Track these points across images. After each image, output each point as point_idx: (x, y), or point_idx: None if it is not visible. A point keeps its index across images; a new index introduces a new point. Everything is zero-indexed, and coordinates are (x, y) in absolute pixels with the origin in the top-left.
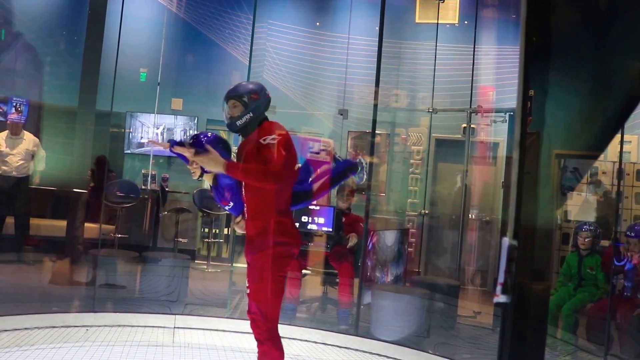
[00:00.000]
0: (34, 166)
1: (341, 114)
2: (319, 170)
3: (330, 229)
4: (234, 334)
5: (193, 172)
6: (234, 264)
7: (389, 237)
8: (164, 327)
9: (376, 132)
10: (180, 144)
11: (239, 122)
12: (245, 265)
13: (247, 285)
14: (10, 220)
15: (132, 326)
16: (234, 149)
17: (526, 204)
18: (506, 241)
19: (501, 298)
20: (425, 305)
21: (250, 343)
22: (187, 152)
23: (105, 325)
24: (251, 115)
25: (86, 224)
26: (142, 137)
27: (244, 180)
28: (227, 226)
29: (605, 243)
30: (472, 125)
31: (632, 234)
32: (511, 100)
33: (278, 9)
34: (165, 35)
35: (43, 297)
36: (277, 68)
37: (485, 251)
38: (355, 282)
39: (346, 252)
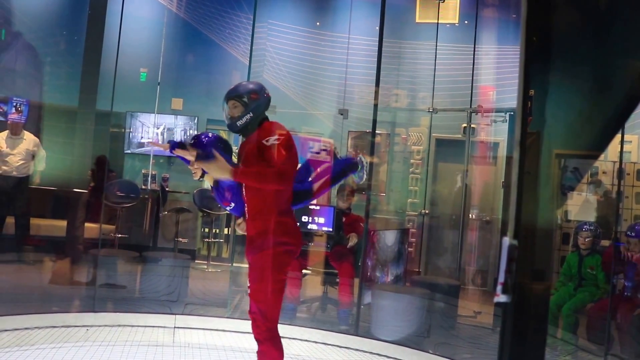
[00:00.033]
0: (34, 166)
1: (341, 114)
2: (319, 169)
3: (331, 229)
4: (234, 334)
5: (194, 173)
6: (234, 264)
7: (389, 237)
8: (164, 327)
9: (376, 132)
10: (181, 145)
11: (239, 123)
12: (245, 265)
13: (248, 285)
14: (10, 220)
15: (132, 326)
16: (235, 149)
17: (526, 204)
18: (506, 241)
19: (501, 298)
20: (425, 305)
21: (250, 343)
22: (190, 157)
23: (106, 325)
24: (251, 115)
25: (86, 224)
26: (142, 137)
27: (253, 185)
28: (227, 226)
29: (605, 243)
30: (472, 125)
31: (633, 234)
32: (511, 100)
33: (278, 8)
34: (166, 35)
35: (43, 297)
36: (277, 68)
37: (485, 251)
38: (356, 282)
39: (346, 252)
